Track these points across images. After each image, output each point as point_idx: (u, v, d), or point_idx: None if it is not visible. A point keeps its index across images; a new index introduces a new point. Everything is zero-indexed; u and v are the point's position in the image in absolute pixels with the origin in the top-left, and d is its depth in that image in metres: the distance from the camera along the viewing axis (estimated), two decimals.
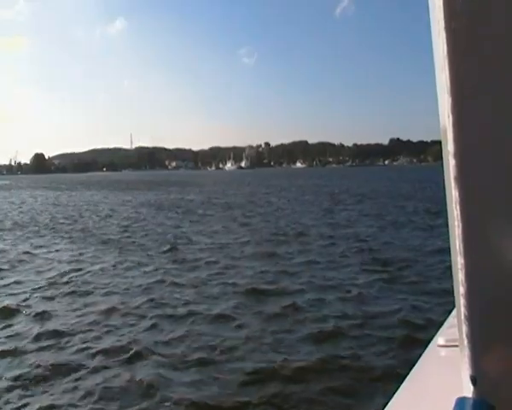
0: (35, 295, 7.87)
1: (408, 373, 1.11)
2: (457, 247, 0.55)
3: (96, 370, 4.94)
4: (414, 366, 1.15)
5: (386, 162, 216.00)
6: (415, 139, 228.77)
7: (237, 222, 17.64)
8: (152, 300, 7.33)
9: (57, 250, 12.27)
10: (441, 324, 1.40)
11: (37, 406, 4.26)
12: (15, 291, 8.11)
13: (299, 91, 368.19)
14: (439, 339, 1.25)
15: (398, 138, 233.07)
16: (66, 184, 74.35)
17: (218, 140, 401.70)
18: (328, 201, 27.20)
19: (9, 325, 6.40)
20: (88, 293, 7.95)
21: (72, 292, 8.00)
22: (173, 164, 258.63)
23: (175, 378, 4.75)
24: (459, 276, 0.55)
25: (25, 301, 7.53)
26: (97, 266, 10.00)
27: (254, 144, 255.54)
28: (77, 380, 4.74)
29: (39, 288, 8.33)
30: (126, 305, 7.13)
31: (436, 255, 10.11)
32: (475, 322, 0.56)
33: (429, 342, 1.28)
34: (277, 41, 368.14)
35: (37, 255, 11.49)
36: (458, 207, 0.54)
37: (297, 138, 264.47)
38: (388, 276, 8.51)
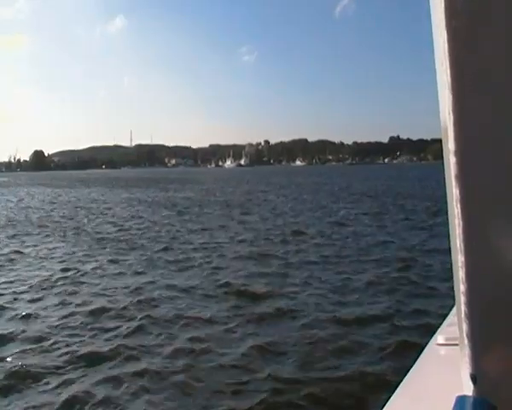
0: (21, 296, 7.62)
1: (407, 372, 1.10)
2: (458, 245, 0.55)
3: (73, 376, 4.69)
4: (413, 364, 1.14)
5: (386, 160, 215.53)
6: (415, 138, 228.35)
7: (234, 220, 17.38)
8: (140, 301, 7.07)
9: (49, 249, 12.01)
10: (440, 322, 1.40)
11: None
12: (1, 292, 7.87)
13: (299, 90, 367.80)
14: (439, 338, 1.24)
15: (398, 136, 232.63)
16: (65, 181, 74.03)
17: (217, 138, 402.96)
18: (326, 199, 26.95)
19: None
20: (76, 293, 7.70)
21: (60, 293, 7.76)
22: (173, 161, 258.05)
23: (158, 387, 4.51)
24: (459, 274, 0.55)
25: (10, 302, 7.28)
26: (88, 266, 9.75)
27: (254, 142, 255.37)
28: (51, 385, 4.50)
29: (27, 288, 8.08)
30: (113, 307, 6.87)
31: (435, 255, 9.88)
32: (476, 320, 0.55)
33: (428, 340, 1.27)
34: (277, 40, 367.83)
35: (27, 254, 11.24)
36: (459, 205, 0.54)
37: (297, 136, 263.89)
38: (387, 276, 8.27)
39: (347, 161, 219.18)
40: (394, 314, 6.32)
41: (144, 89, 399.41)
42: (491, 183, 0.54)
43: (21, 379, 4.65)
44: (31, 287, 8.12)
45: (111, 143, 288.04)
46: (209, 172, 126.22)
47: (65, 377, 4.70)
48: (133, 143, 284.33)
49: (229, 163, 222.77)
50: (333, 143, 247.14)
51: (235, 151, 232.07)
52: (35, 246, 12.49)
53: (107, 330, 5.98)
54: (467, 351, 0.56)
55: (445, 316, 1.46)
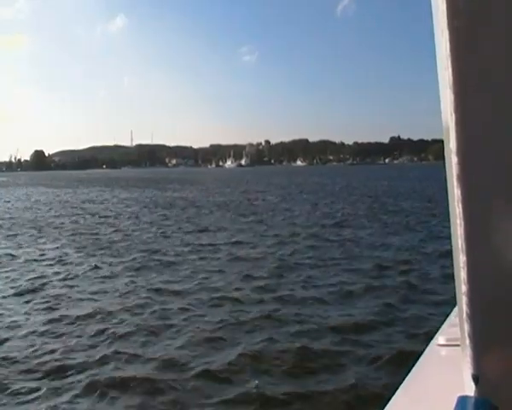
0: (7, 301, 7.39)
1: (408, 372, 1.10)
2: (459, 245, 0.55)
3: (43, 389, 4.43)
4: (414, 365, 1.13)
5: (387, 161, 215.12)
6: (415, 138, 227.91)
7: (230, 222, 17.13)
8: (128, 309, 6.81)
9: (42, 251, 11.78)
10: (441, 323, 1.39)
11: None
12: None
13: (299, 90, 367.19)
14: (440, 338, 1.24)
15: (398, 137, 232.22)
16: (64, 181, 73.84)
17: (218, 138, 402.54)
18: (326, 199, 26.69)
19: None
20: (61, 297, 7.47)
21: (46, 297, 7.53)
22: (173, 161, 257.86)
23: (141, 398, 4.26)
24: (461, 274, 0.55)
25: None
26: (77, 268, 9.52)
27: (255, 142, 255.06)
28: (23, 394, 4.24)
29: (14, 292, 7.84)
30: (99, 311, 6.62)
31: (433, 258, 9.62)
32: (477, 321, 0.55)
33: (429, 341, 1.27)
34: (278, 40, 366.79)
35: (19, 256, 11.00)
36: (460, 205, 0.54)
37: (297, 136, 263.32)
38: (383, 280, 8.01)
39: (348, 161, 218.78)
40: (390, 320, 6.07)
41: (145, 89, 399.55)
42: (492, 183, 0.54)
43: None
44: (17, 291, 7.89)
45: (111, 143, 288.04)
46: (209, 173, 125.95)
47: (33, 388, 4.45)
48: (134, 143, 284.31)
49: (229, 163, 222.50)
50: (334, 144, 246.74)
51: (236, 151, 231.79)
52: (28, 247, 12.26)
53: (91, 336, 5.74)
54: (468, 351, 0.56)
55: (445, 317, 1.44)
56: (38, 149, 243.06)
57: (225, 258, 10.27)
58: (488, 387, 0.56)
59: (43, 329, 6.06)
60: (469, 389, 0.56)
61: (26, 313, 6.71)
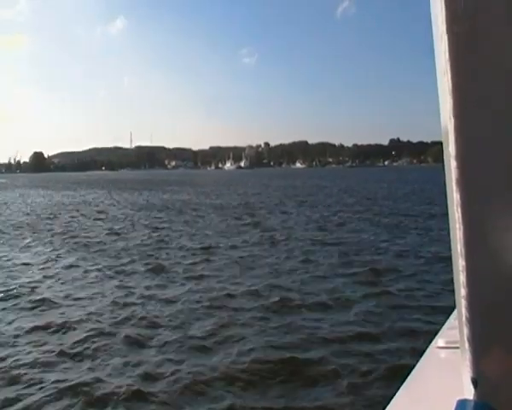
0: None
1: (407, 375, 1.09)
2: (459, 249, 0.55)
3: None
4: (413, 367, 1.13)
5: (386, 163, 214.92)
6: (415, 140, 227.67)
7: (226, 225, 16.86)
8: (115, 318, 6.53)
9: (34, 253, 11.52)
10: (441, 326, 1.38)
11: None
12: None
13: (299, 91, 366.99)
14: (439, 341, 1.23)
15: (398, 139, 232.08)
16: (63, 183, 73.56)
17: (218, 140, 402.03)
18: (323, 202, 26.42)
19: None
20: (47, 304, 7.20)
21: (31, 302, 7.26)
22: (173, 163, 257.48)
23: None
24: (460, 278, 0.55)
25: None
26: (67, 273, 9.24)
27: (254, 144, 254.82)
28: None
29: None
30: (82, 320, 6.35)
31: (433, 262, 9.35)
32: (476, 324, 0.55)
33: (429, 343, 1.26)
34: (278, 41, 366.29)
35: (10, 260, 10.73)
36: (459, 209, 0.54)
37: (297, 138, 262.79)
38: (379, 287, 7.74)
39: (347, 163, 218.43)
40: (386, 328, 5.81)
41: (145, 89, 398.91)
42: (491, 187, 0.54)
43: None
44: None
45: (111, 145, 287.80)
46: (208, 175, 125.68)
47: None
48: (133, 145, 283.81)
49: (228, 165, 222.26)
50: (333, 146, 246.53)
51: (236, 153, 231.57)
52: (18, 251, 11.98)
53: (72, 347, 5.47)
54: (467, 355, 0.56)
55: (445, 319, 1.43)
56: (38, 150, 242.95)
57: (219, 262, 10.00)
58: (487, 390, 0.55)
59: (27, 336, 5.80)
60: (468, 393, 0.56)
61: (8, 319, 6.44)
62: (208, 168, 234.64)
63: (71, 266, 9.94)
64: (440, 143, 0.57)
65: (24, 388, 4.50)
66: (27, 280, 8.71)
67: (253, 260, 10.11)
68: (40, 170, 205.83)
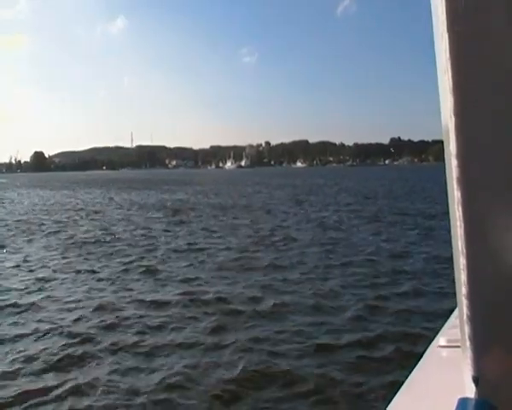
0: None
1: (409, 374, 1.09)
2: (460, 247, 0.55)
3: None
4: (415, 366, 1.13)
5: (387, 162, 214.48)
6: (415, 139, 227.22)
7: (222, 225, 16.56)
8: (101, 323, 6.24)
9: (24, 254, 11.23)
10: (442, 324, 1.38)
11: None
12: None
13: (299, 91, 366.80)
14: (441, 339, 1.24)
15: (398, 138, 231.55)
16: (63, 183, 73.31)
17: (218, 139, 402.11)
18: (323, 202, 26.11)
19: None
20: (30, 307, 6.92)
21: (17, 305, 6.99)
22: (173, 163, 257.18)
23: None
24: (461, 276, 0.55)
25: None
26: (58, 275, 8.95)
27: (255, 143, 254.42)
28: None
29: None
30: (66, 327, 6.05)
31: (430, 262, 9.05)
32: (478, 323, 0.55)
33: (430, 342, 1.27)
34: (278, 41, 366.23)
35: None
36: (460, 207, 0.54)
37: (297, 138, 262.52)
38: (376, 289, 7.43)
39: (348, 162, 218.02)
40: (383, 334, 5.50)
41: (145, 88, 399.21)
42: (492, 185, 0.54)
43: None
44: None
45: (112, 144, 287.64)
46: (209, 174, 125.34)
47: None
48: (134, 144, 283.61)
49: (229, 164, 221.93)
50: (334, 145, 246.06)
51: (236, 152, 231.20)
52: (14, 253, 11.70)
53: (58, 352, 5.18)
54: (468, 353, 0.56)
55: (446, 318, 1.43)
56: (38, 150, 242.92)
57: (211, 265, 9.70)
58: (488, 388, 0.55)
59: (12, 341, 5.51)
60: (470, 391, 0.56)
61: None
62: (209, 167, 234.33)
63: (59, 268, 9.66)
64: (441, 142, 0.57)
65: None
66: (13, 281, 8.43)
67: (248, 262, 9.80)
68: (41, 169, 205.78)
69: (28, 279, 8.75)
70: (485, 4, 0.52)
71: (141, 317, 6.47)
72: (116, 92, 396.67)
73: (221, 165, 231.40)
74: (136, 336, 5.71)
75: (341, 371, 4.68)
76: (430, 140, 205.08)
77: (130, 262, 10.09)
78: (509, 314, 0.55)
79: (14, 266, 9.93)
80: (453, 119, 0.53)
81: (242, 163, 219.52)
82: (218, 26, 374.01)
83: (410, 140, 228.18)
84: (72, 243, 12.96)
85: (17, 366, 4.91)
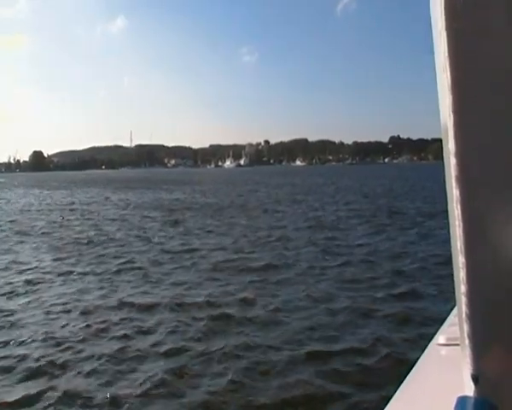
0: None
1: (408, 372, 1.09)
2: (459, 246, 0.55)
3: None
4: (414, 365, 1.13)
5: (387, 160, 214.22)
6: (415, 137, 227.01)
7: (218, 225, 16.32)
8: (86, 328, 6.00)
9: (14, 255, 10.99)
10: (441, 322, 1.38)
11: None
12: None
13: (299, 90, 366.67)
14: (440, 338, 1.24)
15: (398, 136, 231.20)
16: (60, 182, 73.01)
17: (218, 138, 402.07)
18: (321, 200, 25.88)
19: None
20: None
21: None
22: (172, 162, 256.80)
23: None
24: (460, 275, 0.55)
25: None
26: (43, 276, 8.70)
27: (254, 142, 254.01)
28: None
29: None
30: (50, 332, 5.81)
31: (428, 262, 8.81)
32: (477, 321, 0.55)
33: (430, 340, 1.26)
34: (278, 40, 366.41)
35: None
36: (459, 206, 0.54)
37: (297, 136, 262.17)
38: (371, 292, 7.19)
39: (347, 161, 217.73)
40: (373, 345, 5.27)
41: (145, 88, 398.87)
42: (491, 184, 0.54)
43: None
44: None
45: (111, 144, 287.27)
46: (208, 173, 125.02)
47: None
48: (133, 144, 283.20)
49: (228, 163, 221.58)
50: (333, 143, 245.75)
51: (235, 151, 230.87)
52: (3, 254, 11.47)
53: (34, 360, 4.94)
54: (468, 351, 0.56)
55: (445, 316, 1.43)
56: (37, 149, 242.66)
57: (205, 266, 9.45)
58: (488, 387, 0.56)
59: None
60: (469, 390, 0.57)
61: None
62: (208, 166, 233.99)
63: (48, 270, 9.41)
64: (440, 140, 0.57)
65: None
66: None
67: (242, 263, 9.55)
68: (40, 169, 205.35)
69: (16, 281, 8.51)
70: (484, 1, 0.52)
71: (128, 320, 6.24)
72: (116, 92, 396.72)
73: (220, 164, 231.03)
74: (121, 342, 5.47)
75: (334, 376, 4.45)
76: (429, 138, 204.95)
77: (122, 264, 9.85)
78: (508, 313, 0.55)
79: (2, 269, 9.68)
80: (452, 117, 0.53)
81: (242, 162, 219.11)
82: (217, 25, 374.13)
83: (409, 138, 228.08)
84: (65, 244, 12.72)
85: None
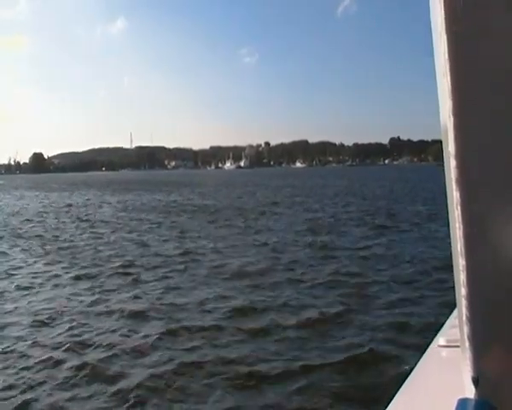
0: None
1: (408, 374, 1.09)
2: (459, 248, 0.55)
3: None
4: (414, 366, 1.13)
5: (387, 162, 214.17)
6: (415, 138, 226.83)
7: (213, 228, 16.09)
8: (70, 337, 5.77)
9: (6, 260, 10.77)
10: (442, 324, 1.37)
11: None
12: None
13: (299, 91, 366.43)
14: (440, 339, 1.23)
15: (398, 138, 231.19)
16: (59, 184, 72.84)
17: (218, 139, 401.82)
18: (320, 202, 25.66)
19: None
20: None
21: None
22: (173, 163, 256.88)
23: None
24: (461, 277, 0.55)
25: None
26: (33, 280, 8.48)
27: (254, 144, 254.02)
28: None
29: None
30: (31, 340, 5.58)
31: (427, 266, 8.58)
32: (477, 323, 0.55)
33: (430, 342, 1.26)
34: (278, 41, 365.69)
35: None
36: (459, 208, 0.54)
37: (297, 138, 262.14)
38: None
39: (348, 162, 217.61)
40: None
41: (145, 89, 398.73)
42: (491, 186, 0.54)
43: None
44: None
45: (111, 145, 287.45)
46: (208, 175, 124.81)
47: None
48: (133, 145, 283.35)
49: (228, 165, 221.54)
50: (333, 145, 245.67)
51: (236, 153, 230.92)
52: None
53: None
54: (468, 353, 0.56)
55: (446, 317, 1.43)
56: (38, 151, 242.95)
57: (198, 270, 9.22)
58: (488, 389, 0.55)
59: None
60: (469, 392, 0.56)
61: None
62: (208, 168, 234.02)
63: (38, 274, 9.18)
64: (440, 142, 0.57)
65: None
66: None
67: (234, 268, 9.31)
68: (40, 171, 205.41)
69: (5, 285, 8.31)
70: (484, 3, 0.52)
71: (115, 327, 6.02)
72: (116, 92, 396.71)
73: (220, 165, 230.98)
74: (107, 350, 5.25)
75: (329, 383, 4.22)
76: (429, 140, 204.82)
77: (114, 268, 9.61)
78: (508, 315, 0.55)
79: None
80: (452, 119, 0.53)
81: (242, 164, 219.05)
82: (217, 26, 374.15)
83: (409, 140, 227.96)
84: (58, 248, 12.48)
85: None
